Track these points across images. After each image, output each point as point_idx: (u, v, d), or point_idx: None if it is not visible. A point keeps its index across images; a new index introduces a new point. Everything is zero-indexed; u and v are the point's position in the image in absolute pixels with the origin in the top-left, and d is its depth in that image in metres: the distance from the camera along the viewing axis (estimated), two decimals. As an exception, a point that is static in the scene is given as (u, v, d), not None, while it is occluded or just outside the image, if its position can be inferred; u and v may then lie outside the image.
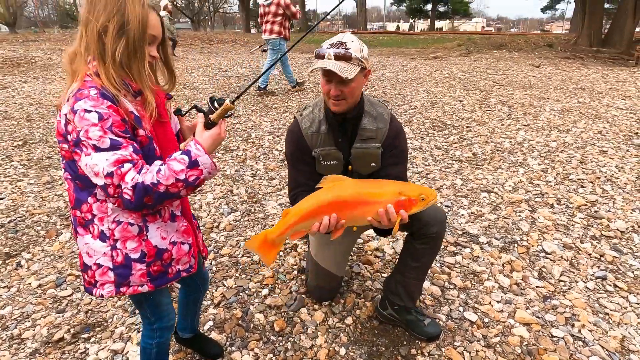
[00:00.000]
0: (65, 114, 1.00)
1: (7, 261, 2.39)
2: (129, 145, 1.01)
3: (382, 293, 1.92)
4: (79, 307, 2.01)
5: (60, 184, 3.44)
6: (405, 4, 42.06)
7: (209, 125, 1.12)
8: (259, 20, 6.56)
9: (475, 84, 7.97)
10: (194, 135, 1.14)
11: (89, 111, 0.97)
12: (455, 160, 3.98)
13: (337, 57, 1.45)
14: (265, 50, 6.79)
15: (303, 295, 2.06)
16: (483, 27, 57.62)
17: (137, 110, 1.07)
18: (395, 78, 8.79)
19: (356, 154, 1.67)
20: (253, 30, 27.42)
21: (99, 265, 1.13)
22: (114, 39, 1.00)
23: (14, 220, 2.86)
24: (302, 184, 1.69)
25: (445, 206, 3.05)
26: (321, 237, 1.87)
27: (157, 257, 1.17)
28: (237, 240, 2.60)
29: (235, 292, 2.11)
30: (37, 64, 9.99)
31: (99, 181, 0.99)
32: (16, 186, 3.40)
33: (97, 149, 0.97)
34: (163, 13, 10.14)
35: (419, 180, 3.52)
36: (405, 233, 1.81)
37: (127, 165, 0.99)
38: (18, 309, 1.99)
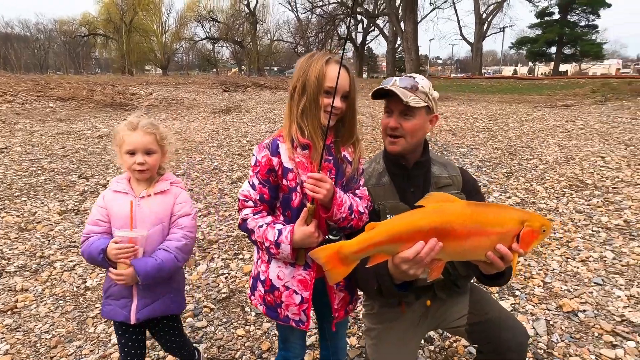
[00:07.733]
0: None
1: (156, 284, 2.69)
2: (259, 193, 1.27)
3: None
4: (212, 341, 2.14)
5: (200, 216, 3.82)
6: (525, 48, 39.79)
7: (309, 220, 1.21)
8: None
9: (618, 137, 7.01)
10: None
11: (254, 155, 1.29)
12: (602, 228, 3.45)
13: (403, 87, 1.34)
14: None
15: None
16: (618, 69, 50.67)
17: (295, 161, 1.22)
18: (521, 128, 8.20)
19: None
20: (365, 75, 28.54)
21: (251, 271, 1.46)
22: (298, 96, 1.23)
23: (162, 246, 3.24)
24: None
25: (595, 283, 2.63)
26: (384, 334, 1.53)
27: (270, 290, 1.32)
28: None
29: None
30: (184, 103, 11.68)
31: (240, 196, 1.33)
32: (164, 214, 3.87)
33: (248, 180, 1.31)
34: None
35: (559, 249, 3.12)
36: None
37: (249, 203, 1.29)
38: (164, 333, 2.20)
